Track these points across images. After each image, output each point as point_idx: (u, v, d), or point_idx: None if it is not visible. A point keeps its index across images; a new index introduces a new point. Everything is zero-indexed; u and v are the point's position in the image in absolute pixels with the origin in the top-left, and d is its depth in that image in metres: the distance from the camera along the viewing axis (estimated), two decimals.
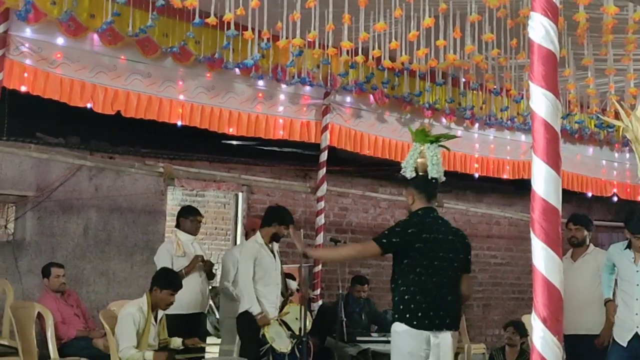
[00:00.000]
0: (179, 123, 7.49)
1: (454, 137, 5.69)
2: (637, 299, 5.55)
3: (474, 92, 8.53)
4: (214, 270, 7.69)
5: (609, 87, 7.22)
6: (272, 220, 7.00)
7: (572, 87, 7.27)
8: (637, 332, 5.50)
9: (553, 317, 2.19)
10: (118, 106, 7.10)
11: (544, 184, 2.24)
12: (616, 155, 10.45)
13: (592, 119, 9.34)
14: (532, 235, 2.24)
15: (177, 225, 7.60)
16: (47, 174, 8.47)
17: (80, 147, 8.46)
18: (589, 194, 10.67)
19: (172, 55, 7.13)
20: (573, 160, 10.29)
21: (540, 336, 2.20)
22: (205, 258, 7.44)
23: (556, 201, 2.23)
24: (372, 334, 7.99)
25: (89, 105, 6.94)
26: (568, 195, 10.94)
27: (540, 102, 2.25)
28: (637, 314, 5.53)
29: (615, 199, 10.80)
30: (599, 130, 9.60)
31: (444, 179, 5.15)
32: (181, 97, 7.42)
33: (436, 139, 5.18)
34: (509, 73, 7.25)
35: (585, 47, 6.56)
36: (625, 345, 5.55)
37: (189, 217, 7.57)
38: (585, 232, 6.39)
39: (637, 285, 5.57)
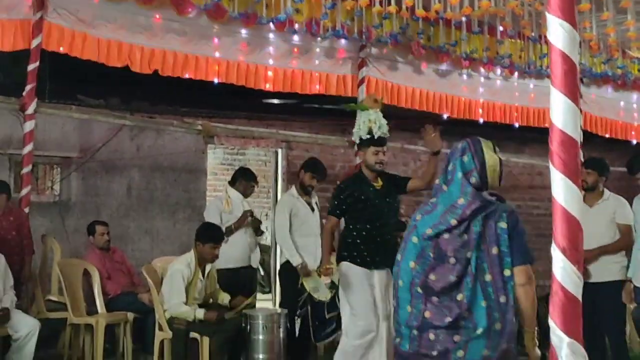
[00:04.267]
0: (216, 80, 7.54)
1: (379, 104, 6.36)
2: None
3: (512, 40, 8.40)
4: (262, 227, 7.78)
5: None
6: (300, 168, 7.22)
7: (611, 30, 7.11)
8: None
9: (572, 247, 2.20)
10: (155, 65, 7.17)
11: (562, 115, 2.22)
12: None
13: (635, 64, 9.14)
14: (550, 166, 2.24)
15: (232, 184, 7.69)
16: (90, 136, 8.64)
17: (121, 108, 8.58)
18: (634, 142, 10.46)
19: (207, 13, 7.16)
20: (616, 107, 10.09)
21: (560, 266, 2.21)
22: (253, 214, 7.55)
23: (574, 132, 2.22)
24: None
25: (126, 66, 7.03)
26: (612, 144, 10.77)
27: (557, 33, 2.23)
28: None
29: None
30: None
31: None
32: (217, 54, 7.46)
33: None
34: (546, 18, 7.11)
35: None
36: None
37: (248, 181, 7.64)
38: (597, 177, 6.21)
39: None
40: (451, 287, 3.30)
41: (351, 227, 5.96)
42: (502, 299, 3.24)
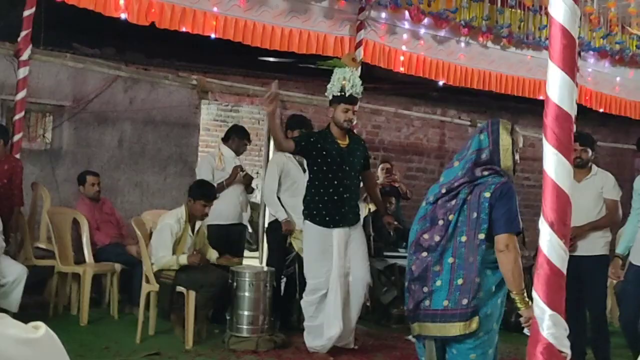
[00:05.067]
0: (213, 36, 7.48)
1: (357, 63, 6.66)
2: None
3: (512, 9, 8.36)
4: (253, 185, 7.79)
5: None
6: (286, 128, 7.26)
7: (612, 5, 7.12)
8: None
9: (560, 221, 2.22)
10: (152, 17, 7.08)
11: (559, 90, 2.22)
12: None
13: (634, 40, 9.12)
14: (543, 141, 2.24)
15: (225, 140, 7.68)
16: (83, 85, 8.59)
17: (116, 59, 8.51)
18: (628, 118, 10.47)
19: None
20: (612, 82, 10.07)
21: (547, 240, 2.23)
22: (244, 170, 7.55)
23: (570, 108, 2.22)
24: (400, 250, 8.08)
25: (123, 16, 6.95)
26: (606, 119, 10.79)
27: (559, 6, 2.22)
28: None
29: None
30: None
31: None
32: (215, 9, 7.37)
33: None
34: None
35: None
36: None
37: (241, 139, 7.67)
38: (590, 153, 6.25)
39: None
40: (436, 245, 3.73)
41: (311, 185, 6.16)
42: (471, 259, 3.61)
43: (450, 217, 3.72)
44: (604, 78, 9.97)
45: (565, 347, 2.23)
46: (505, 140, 3.80)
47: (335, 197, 6.06)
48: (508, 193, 3.66)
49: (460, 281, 3.62)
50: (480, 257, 3.60)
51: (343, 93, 6.09)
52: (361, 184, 6.45)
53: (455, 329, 3.61)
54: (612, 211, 6.16)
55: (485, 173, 3.76)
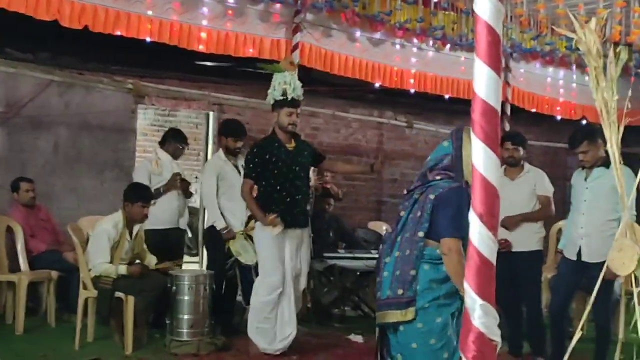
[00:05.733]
0: (148, 39, 7.41)
1: (295, 67, 6.85)
2: (582, 214, 5.75)
3: (445, 12, 8.50)
4: (191, 189, 7.77)
5: (578, 7, 7.23)
6: (219, 134, 7.37)
7: (541, 6, 7.29)
8: (580, 246, 5.71)
9: (489, 214, 2.27)
10: (85, 21, 6.96)
11: (485, 85, 2.28)
12: (587, 78, 10.45)
13: (563, 41, 9.36)
14: (472, 135, 2.30)
15: (162, 145, 7.63)
16: (16, 90, 8.43)
17: (49, 63, 8.38)
18: (558, 117, 10.73)
19: None
20: (543, 82, 10.32)
21: (477, 231, 2.28)
22: (182, 176, 7.53)
23: (496, 103, 2.27)
24: (339, 251, 8.14)
25: (55, 19, 6.83)
26: (538, 119, 11.03)
27: (484, 5, 2.28)
28: (582, 228, 5.73)
29: (584, 122, 10.87)
30: (570, 52, 9.60)
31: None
32: (150, 12, 7.30)
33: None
34: None
35: None
36: (574, 259, 5.75)
37: (178, 142, 7.66)
38: (522, 152, 6.46)
39: (585, 201, 5.76)
40: (389, 240, 4.10)
41: (262, 188, 6.21)
42: (407, 253, 3.91)
43: (402, 214, 4.07)
44: (535, 79, 10.21)
45: (496, 336, 2.28)
46: (468, 148, 3.78)
47: (288, 199, 6.17)
48: (454, 198, 3.87)
49: (398, 272, 3.90)
50: (417, 252, 3.87)
51: (285, 97, 6.17)
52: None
53: (392, 316, 3.89)
54: (545, 206, 6.37)
55: (438, 177, 4.03)
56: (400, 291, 3.85)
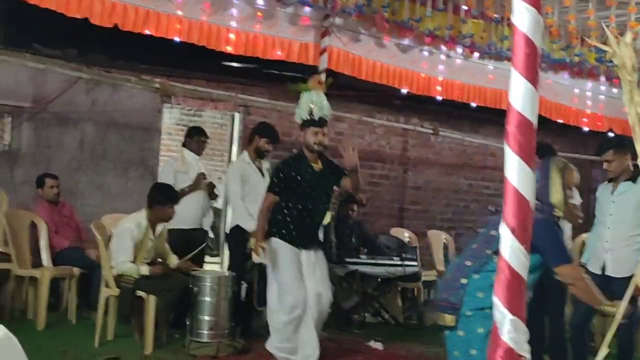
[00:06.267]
0: (177, 39, 7.43)
1: (323, 86, 6.61)
2: (608, 228, 5.71)
3: (475, 20, 8.45)
4: (215, 191, 7.80)
5: (609, 19, 7.17)
6: (253, 133, 7.28)
7: (572, 17, 7.23)
8: (604, 260, 5.68)
9: (521, 227, 2.25)
10: (115, 19, 7.00)
11: (522, 98, 2.26)
12: (615, 91, 10.36)
13: (593, 53, 9.28)
14: (505, 147, 2.27)
15: (184, 144, 7.77)
16: (44, 86, 8.47)
17: (78, 60, 8.41)
18: (585, 129, 10.65)
19: None
20: (571, 93, 10.23)
21: (509, 245, 2.26)
22: (207, 177, 7.57)
23: (532, 115, 2.25)
24: (361, 256, 8.10)
25: (85, 17, 6.88)
26: (564, 129, 10.95)
27: (522, 15, 2.26)
28: (607, 242, 5.70)
29: (611, 134, 10.78)
30: (598, 64, 9.51)
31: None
32: (179, 12, 7.33)
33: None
34: (510, 1, 7.16)
35: None
36: (599, 272, 5.69)
37: (194, 137, 7.80)
38: None
39: (610, 214, 5.71)
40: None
41: (283, 204, 6.12)
42: (468, 263, 3.85)
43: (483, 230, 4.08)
44: (563, 89, 10.13)
45: (525, 352, 2.26)
46: (555, 177, 3.97)
47: (307, 220, 6.13)
48: (544, 229, 3.69)
49: (449, 276, 3.95)
50: (477, 265, 3.80)
51: (312, 117, 6.13)
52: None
53: (439, 318, 3.89)
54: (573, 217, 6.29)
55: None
56: (445, 295, 3.84)
